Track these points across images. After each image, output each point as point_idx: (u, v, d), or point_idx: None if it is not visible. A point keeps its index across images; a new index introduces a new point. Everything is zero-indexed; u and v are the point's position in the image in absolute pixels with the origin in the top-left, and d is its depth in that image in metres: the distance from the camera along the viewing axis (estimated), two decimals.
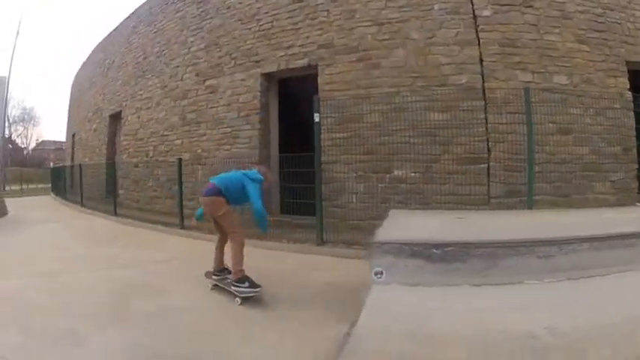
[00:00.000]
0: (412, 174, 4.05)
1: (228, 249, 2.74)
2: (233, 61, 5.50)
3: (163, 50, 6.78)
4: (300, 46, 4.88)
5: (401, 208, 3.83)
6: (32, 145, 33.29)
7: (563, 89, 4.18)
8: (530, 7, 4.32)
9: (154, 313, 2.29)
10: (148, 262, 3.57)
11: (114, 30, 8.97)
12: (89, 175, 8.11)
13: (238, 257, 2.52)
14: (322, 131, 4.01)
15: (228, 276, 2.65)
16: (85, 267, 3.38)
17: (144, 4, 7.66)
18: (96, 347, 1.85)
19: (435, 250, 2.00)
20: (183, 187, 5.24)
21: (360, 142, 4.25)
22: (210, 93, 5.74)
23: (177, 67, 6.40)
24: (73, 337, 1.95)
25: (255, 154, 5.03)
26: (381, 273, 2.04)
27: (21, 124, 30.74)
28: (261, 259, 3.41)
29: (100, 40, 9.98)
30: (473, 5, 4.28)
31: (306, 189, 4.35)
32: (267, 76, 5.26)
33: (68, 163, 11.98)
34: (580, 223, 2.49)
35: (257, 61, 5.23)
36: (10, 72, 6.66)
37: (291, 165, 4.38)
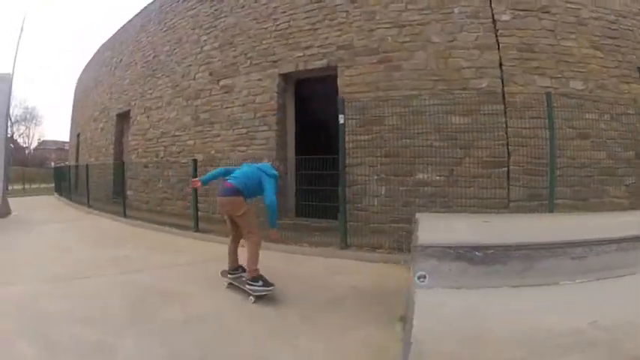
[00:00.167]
0: (437, 177, 4.07)
1: (241, 250, 2.77)
2: (249, 61, 5.47)
3: (174, 49, 6.71)
4: (318, 46, 4.87)
5: (423, 211, 3.86)
6: (34, 144, 32.69)
7: (580, 94, 4.25)
8: (547, 12, 4.38)
9: (181, 320, 2.20)
10: (167, 265, 3.47)
11: (121, 28, 8.84)
12: (95, 176, 7.97)
13: (254, 257, 2.57)
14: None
15: (243, 274, 2.70)
16: (100, 271, 3.26)
17: (153, 2, 7.56)
18: None
19: (477, 253, 2.04)
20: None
21: (381, 145, 4.26)
22: (225, 93, 5.69)
23: (190, 66, 6.33)
24: (100, 350, 1.80)
25: (272, 155, 4.99)
26: (425, 277, 2.06)
27: (23, 123, 30.16)
28: (280, 261, 3.39)
29: (104, 38, 9.88)
30: (492, 10, 4.33)
31: (324, 191, 4.34)
32: (285, 77, 5.24)
33: (72, 162, 11.77)
34: (605, 226, 2.56)
35: (274, 62, 5.20)
36: (14, 68, 6.51)
37: (309, 167, 4.37)
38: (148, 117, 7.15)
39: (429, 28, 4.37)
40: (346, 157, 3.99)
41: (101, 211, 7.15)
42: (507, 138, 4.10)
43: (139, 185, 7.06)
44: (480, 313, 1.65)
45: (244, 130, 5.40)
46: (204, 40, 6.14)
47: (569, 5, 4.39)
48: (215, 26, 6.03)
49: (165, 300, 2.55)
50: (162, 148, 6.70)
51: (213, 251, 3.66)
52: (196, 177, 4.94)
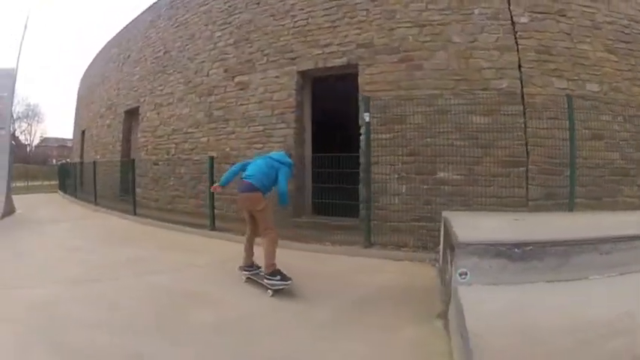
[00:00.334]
0: (456, 176, 4.12)
1: (257, 248, 2.81)
2: (265, 58, 5.44)
3: (186, 45, 6.63)
4: (338, 44, 4.87)
5: (443, 209, 3.91)
6: (36, 141, 32.00)
7: (595, 97, 4.35)
8: (564, 15, 4.46)
9: (212, 323, 2.12)
10: (186, 265, 3.39)
11: (129, 24, 8.70)
12: (102, 173, 7.84)
13: (271, 253, 2.62)
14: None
15: (260, 269, 2.77)
16: (118, 272, 3.15)
17: None
18: None
19: (516, 250, 2.10)
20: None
21: (403, 144, 4.28)
22: (240, 90, 5.66)
23: (203, 62, 6.27)
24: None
25: (290, 153, 4.99)
26: (466, 274, 2.11)
27: (25, 120, 29.53)
28: (304, 260, 3.37)
29: (108, 37, 9.72)
30: (511, 12, 4.39)
31: (342, 189, 4.36)
32: (303, 74, 5.22)
33: (77, 159, 11.56)
34: (626, 223, 2.63)
35: (292, 59, 5.19)
36: (17, 64, 6.33)
37: (327, 165, 4.39)
38: (158, 113, 7.06)
39: (450, 29, 4.41)
40: (369, 155, 4.01)
41: (109, 209, 7.03)
42: (526, 138, 4.17)
43: (148, 183, 6.97)
44: (522, 307, 1.73)
45: (261, 128, 5.38)
46: (219, 37, 6.09)
47: (584, 9, 4.48)
48: (229, 22, 5.99)
49: (196, 302, 2.47)
50: (174, 145, 6.63)
51: (232, 250, 3.55)
52: (212, 173, 4.96)
